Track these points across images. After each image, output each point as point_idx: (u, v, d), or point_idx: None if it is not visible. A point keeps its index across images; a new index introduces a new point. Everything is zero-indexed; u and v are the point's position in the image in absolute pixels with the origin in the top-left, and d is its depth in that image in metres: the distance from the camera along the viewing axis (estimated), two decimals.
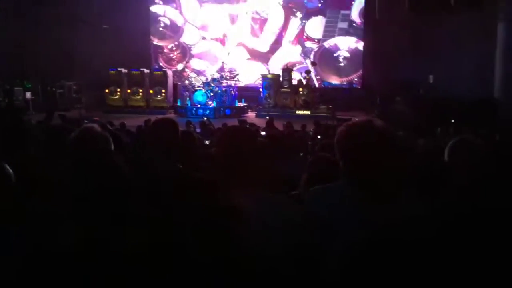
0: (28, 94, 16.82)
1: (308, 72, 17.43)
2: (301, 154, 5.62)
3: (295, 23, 19.35)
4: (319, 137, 7.88)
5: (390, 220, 1.79)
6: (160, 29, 20.56)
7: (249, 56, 19.80)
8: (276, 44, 19.54)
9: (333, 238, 1.87)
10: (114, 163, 1.87)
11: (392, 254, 1.74)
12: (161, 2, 20.49)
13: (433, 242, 1.77)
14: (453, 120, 10.47)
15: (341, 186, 2.03)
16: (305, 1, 19.21)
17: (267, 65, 19.62)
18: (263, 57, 19.70)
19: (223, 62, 19.50)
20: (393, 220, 1.78)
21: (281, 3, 19.27)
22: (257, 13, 19.54)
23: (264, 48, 19.65)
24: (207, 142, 6.99)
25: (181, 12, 20.32)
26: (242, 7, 19.67)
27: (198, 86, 17.08)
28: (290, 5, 19.30)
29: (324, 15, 19.05)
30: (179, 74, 20.11)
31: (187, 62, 20.13)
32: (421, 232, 1.79)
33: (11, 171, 2.28)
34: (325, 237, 1.92)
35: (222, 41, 20.05)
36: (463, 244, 1.88)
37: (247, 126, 10.60)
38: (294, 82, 17.23)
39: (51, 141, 3.26)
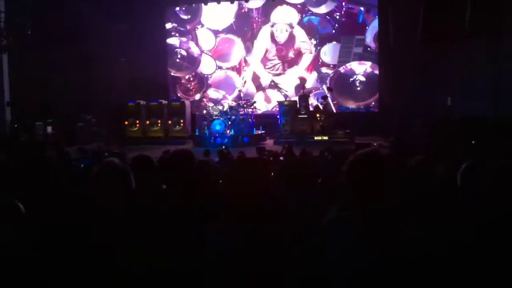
0: (49, 129, 17.07)
1: (324, 97, 17.44)
2: (319, 180, 5.56)
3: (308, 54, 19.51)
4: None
5: (393, 251, 1.78)
6: (177, 60, 20.89)
7: (265, 84, 19.96)
8: (293, 70, 19.68)
9: (343, 266, 1.87)
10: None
11: (393, 282, 1.73)
12: (177, 35, 20.87)
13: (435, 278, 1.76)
14: (473, 142, 10.32)
15: (351, 215, 2.03)
16: (319, 27, 19.37)
17: (284, 91, 19.73)
18: (279, 84, 19.84)
19: (240, 91, 19.64)
20: (397, 251, 1.77)
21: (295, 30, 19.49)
22: (274, 41, 19.75)
23: (280, 75, 19.82)
24: None
25: (197, 44, 20.65)
26: (258, 37, 19.94)
27: (216, 115, 17.20)
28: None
29: (338, 40, 19.17)
30: (197, 104, 20.33)
31: (204, 92, 20.34)
32: (424, 264, 1.77)
33: (22, 207, 2.34)
34: (337, 264, 1.92)
35: (238, 70, 20.27)
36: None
37: (265, 152, 10.60)
38: (311, 108, 17.26)
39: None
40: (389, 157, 1.93)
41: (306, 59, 19.47)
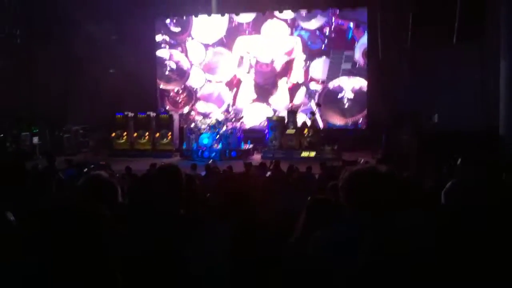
0: (35, 139, 16.92)
1: (313, 113, 17.51)
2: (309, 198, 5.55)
3: (299, 64, 19.62)
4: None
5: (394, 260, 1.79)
6: (167, 73, 20.86)
7: (254, 98, 19.98)
8: (280, 85, 19.75)
9: (339, 279, 1.88)
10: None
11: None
12: (167, 47, 20.88)
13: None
14: (460, 159, 10.38)
15: (347, 228, 2.02)
16: (309, 42, 19.50)
17: (273, 106, 19.76)
18: (268, 99, 19.89)
19: (228, 105, 19.61)
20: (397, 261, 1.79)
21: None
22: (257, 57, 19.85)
23: (269, 89, 19.89)
24: None
25: (187, 56, 20.66)
26: (247, 51, 20.01)
27: (204, 129, 17.15)
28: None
29: (327, 56, 19.31)
30: (185, 117, 20.26)
31: (193, 105, 20.31)
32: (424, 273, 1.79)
33: (12, 217, 2.30)
34: (331, 278, 1.92)
35: (227, 84, 20.28)
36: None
37: (251, 168, 10.57)
38: (299, 124, 17.27)
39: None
40: (388, 173, 1.95)
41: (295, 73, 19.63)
